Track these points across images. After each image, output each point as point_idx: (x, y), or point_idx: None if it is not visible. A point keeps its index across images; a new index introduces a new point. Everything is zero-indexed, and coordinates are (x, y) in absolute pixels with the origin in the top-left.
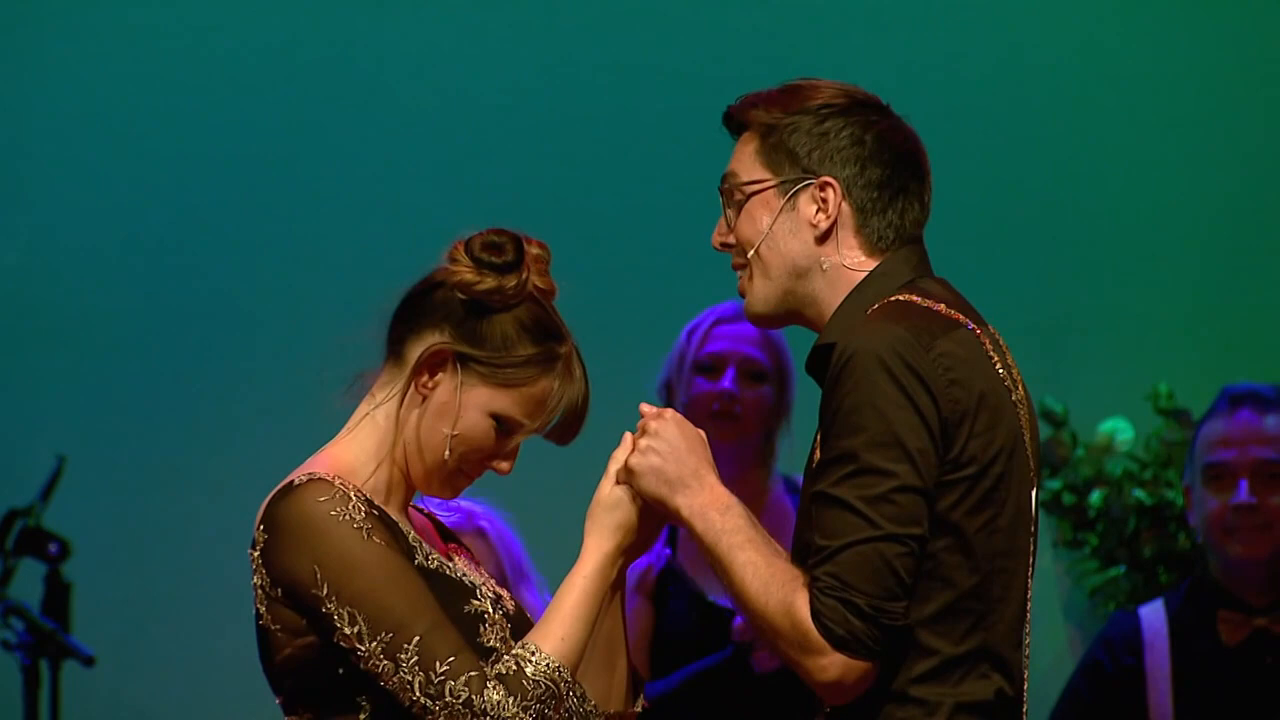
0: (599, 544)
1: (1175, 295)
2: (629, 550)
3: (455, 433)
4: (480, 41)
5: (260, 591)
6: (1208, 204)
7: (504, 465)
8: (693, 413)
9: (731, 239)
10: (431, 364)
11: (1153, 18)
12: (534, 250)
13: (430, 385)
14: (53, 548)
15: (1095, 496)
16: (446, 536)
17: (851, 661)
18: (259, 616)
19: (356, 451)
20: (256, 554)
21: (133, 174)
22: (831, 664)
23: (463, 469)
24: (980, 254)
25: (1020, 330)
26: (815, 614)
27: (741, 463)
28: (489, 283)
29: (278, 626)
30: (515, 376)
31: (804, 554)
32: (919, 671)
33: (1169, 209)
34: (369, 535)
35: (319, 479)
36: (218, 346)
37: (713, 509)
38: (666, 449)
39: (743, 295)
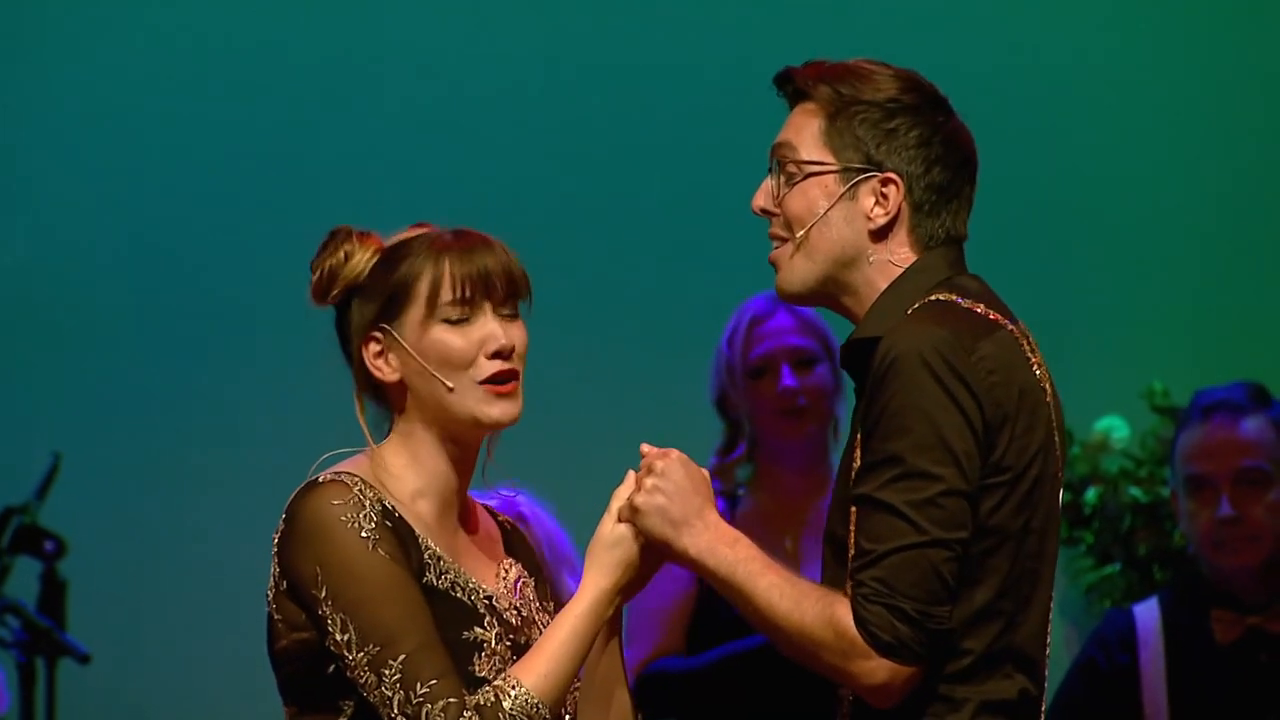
0: (597, 580)
1: (1170, 293)
2: (627, 588)
3: (431, 365)
4: (477, 39)
5: (272, 579)
6: (1202, 202)
7: (494, 343)
8: (761, 417)
9: (775, 208)
10: (373, 355)
11: (1147, 17)
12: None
13: (389, 367)
14: (48, 545)
15: (1090, 494)
16: (511, 547)
17: (898, 666)
18: (267, 602)
19: (389, 455)
20: (275, 540)
21: (129, 172)
22: (879, 668)
23: (476, 381)
24: (974, 252)
25: None
26: (861, 620)
27: (810, 456)
28: (328, 262)
29: (279, 617)
30: (407, 288)
31: (836, 550)
32: (950, 670)
33: (1164, 207)
34: (374, 546)
35: (340, 481)
36: (214, 344)
37: (721, 544)
38: (672, 488)
39: (773, 264)
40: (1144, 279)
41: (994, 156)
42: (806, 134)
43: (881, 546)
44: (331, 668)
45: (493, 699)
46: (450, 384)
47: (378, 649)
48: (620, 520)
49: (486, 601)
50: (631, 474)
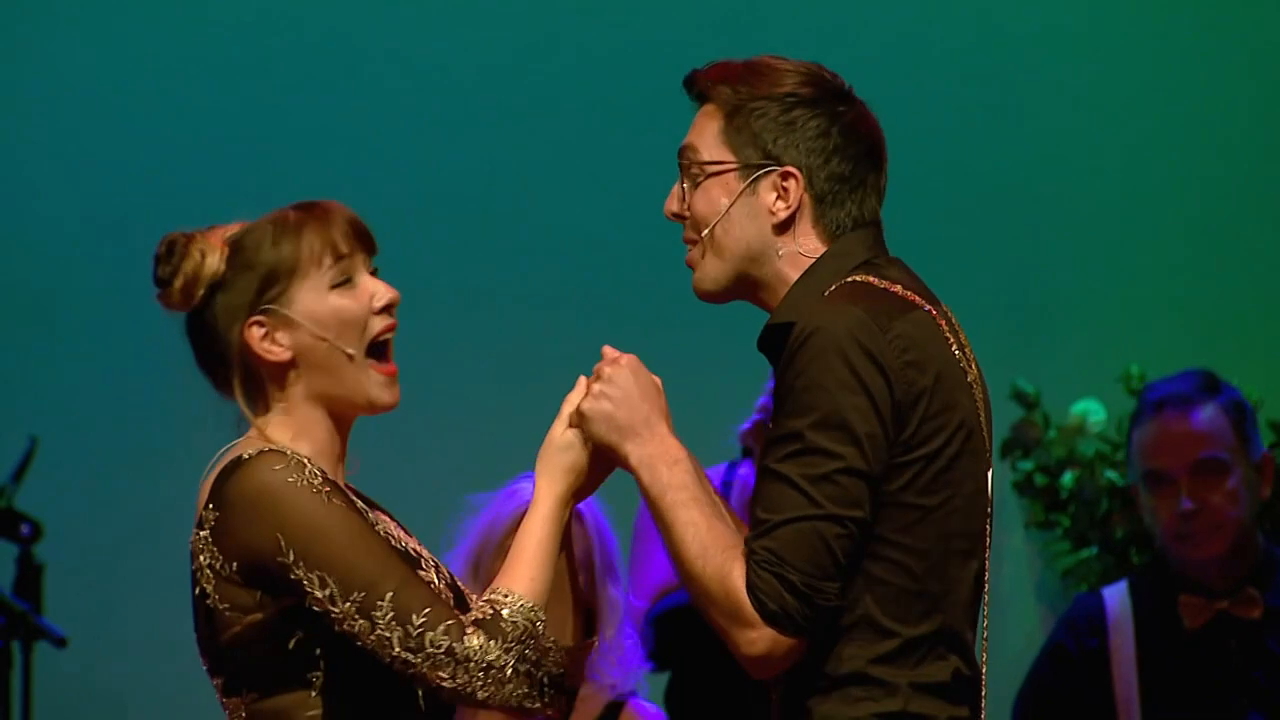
0: (551, 486)
1: (1148, 277)
2: (580, 492)
3: (331, 334)
4: (454, 22)
5: (208, 572)
6: (1181, 187)
7: (383, 298)
8: None
9: (685, 211)
10: (258, 338)
11: None
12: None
13: (279, 346)
14: (25, 529)
15: (1067, 478)
16: (372, 507)
17: (779, 637)
18: (205, 596)
19: (276, 432)
20: (205, 534)
21: (105, 154)
22: (760, 638)
23: (369, 349)
24: (954, 236)
25: (993, 312)
26: (751, 587)
27: None
28: (187, 267)
29: (225, 605)
30: (287, 265)
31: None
32: (878, 653)
33: (1140, 190)
34: (329, 499)
35: (271, 450)
36: None
37: (661, 461)
38: (619, 395)
39: (690, 267)
40: (1122, 263)
41: (972, 137)
42: (707, 135)
43: (775, 517)
44: (293, 642)
45: (491, 612)
46: (350, 350)
47: (363, 594)
48: (570, 426)
49: (412, 547)
50: (583, 379)
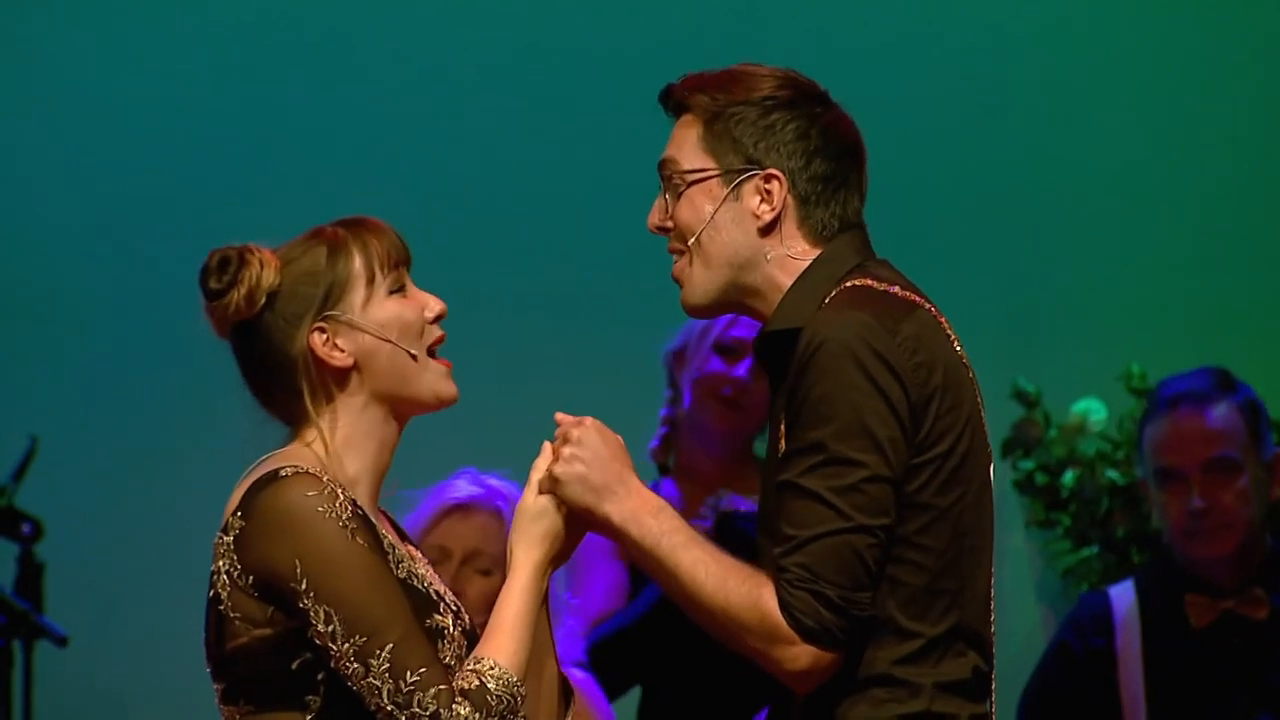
0: (528, 554)
1: (1148, 276)
2: (556, 558)
3: (394, 337)
4: (454, 22)
5: (225, 577)
6: (1181, 186)
7: (434, 308)
8: (700, 389)
9: (669, 223)
10: (322, 344)
11: None
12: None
13: (341, 352)
14: (26, 528)
15: (1068, 477)
16: (404, 538)
17: (820, 652)
18: (218, 601)
19: (322, 445)
20: (229, 539)
21: (106, 154)
22: (802, 654)
23: (428, 349)
24: (954, 235)
25: (993, 311)
26: (785, 605)
27: (731, 450)
28: (248, 276)
29: (237, 615)
30: (347, 275)
31: (772, 538)
32: (901, 654)
33: (1142, 190)
34: (353, 536)
35: (307, 473)
36: (192, 327)
37: (645, 512)
38: (590, 456)
39: (677, 280)
40: (1122, 262)
41: (972, 137)
42: (687, 144)
43: (805, 532)
44: (297, 663)
45: (477, 683)
46: (414, 351)
47: (364, 640)
48: (541, 492)
49: (435, 588)
50: (548, 445)
